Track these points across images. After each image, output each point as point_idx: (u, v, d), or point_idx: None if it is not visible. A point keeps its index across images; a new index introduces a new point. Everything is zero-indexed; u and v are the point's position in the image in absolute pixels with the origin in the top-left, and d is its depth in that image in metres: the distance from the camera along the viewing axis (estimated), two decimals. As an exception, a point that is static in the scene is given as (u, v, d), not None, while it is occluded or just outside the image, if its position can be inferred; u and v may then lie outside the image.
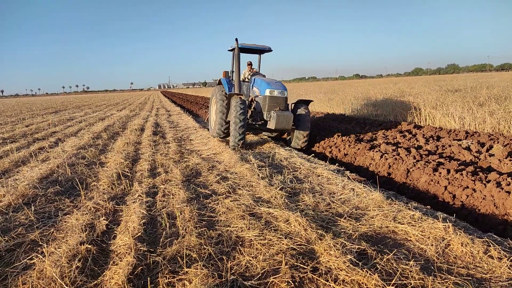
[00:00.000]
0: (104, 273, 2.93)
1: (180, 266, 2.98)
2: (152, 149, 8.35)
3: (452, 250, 3.18)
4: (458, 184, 4.92)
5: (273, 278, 2.75)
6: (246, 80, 9.86)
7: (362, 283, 2.64)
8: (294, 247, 3.25)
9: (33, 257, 3.15)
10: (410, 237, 3.47)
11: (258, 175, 5.62)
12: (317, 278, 2.75)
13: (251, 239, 3.44)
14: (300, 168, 6.26)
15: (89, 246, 3.28)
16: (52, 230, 3.79)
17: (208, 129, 11.18)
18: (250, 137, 10.14)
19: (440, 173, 5.35)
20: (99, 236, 3.64)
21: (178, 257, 3.12)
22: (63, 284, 2.69)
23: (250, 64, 9.94)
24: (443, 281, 2.68)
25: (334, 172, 5.84)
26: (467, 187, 4.78)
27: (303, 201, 4.56)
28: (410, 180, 5.64)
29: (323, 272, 2.84)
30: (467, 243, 3.18)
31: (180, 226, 3.79)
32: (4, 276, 2.92)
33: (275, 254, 3.14)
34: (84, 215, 4.12)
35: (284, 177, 5.61)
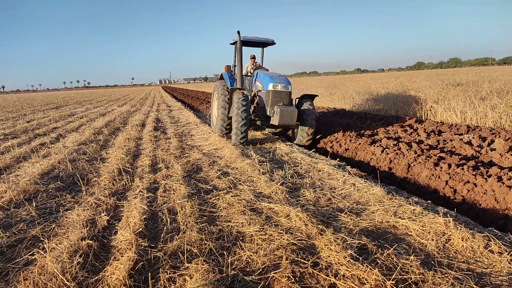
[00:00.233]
0: (105, 269, 2.94)
1: (181, 261, 2.99)
2: (153, 144, 8.35)
3: (452, 245, 3.18)
4: (459, 179, 4.91)
5: (274, 273, 2.76)
6: (249, 74, 9.60)
7: (363, 278, 2.65)
8: (295, 242, 3.25)
9: (35, 253, 3.16)
10: (411, 232, 3.47)
11: (259, 170, 5.62)
12: (318, 273, 2.76)
13: (251, 234, 3.45)
14: (301, 163, 6.25)
15: (90, 242, 3.29)
16: (53, 225, 3.81)
17: (210, 125, 11.11)
18: (251, 132, 10.12)
19: (441, 167, 5.34)
20: (100, 231, 3.65)
21: (179, 253, 3.13)
22: (64, 279, 2.70)
23: (253, 57, 9.65)
24: (443, 276, 2.68)
25: (335, 167, 5.83)
26: (468, 181, 4.77)
27: (304, 196, 4.56)
28: (411, 175, 5.63)
29: (324, 267, 2.85)
30: (468, 237, 3.17)
31: (181, 221, 3.80)
32: (6, 272, 2.94)
33: (275, 249, 3.14)
34: (85, 210, 4.14)
35: (285, 172, 5.60)
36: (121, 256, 3.08)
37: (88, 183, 5.40)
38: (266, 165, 5.95)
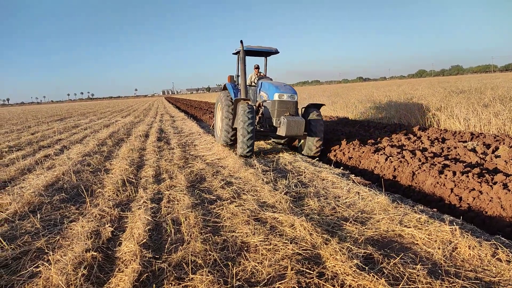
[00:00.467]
0: (110, 280, 2.93)
1: (185, 272, 2.97)
2: (157, 155, 8.38)
3: (459, 253, 3.15)
4: (464, 186, 4.88)
5: (279, 283, 2.74)
6: (253, 84, 9.43)
7: (369, 288, 2.62)
8: (300, 252, 3.23)
9: (39, 265, 3.16)
10: (417, 240, 3.44)
11: (263, 180, 5.62)
12: (324, 283, 2.73)
13: (256, 245, 3.43)
14: (304, 172, 6.24)
15: (95, 253, 3.28)
16: (58, 237, 3.81)
17: (213, 135, 11.08)
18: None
19: (446, 175, 5.31)
20: (104, 243, 3.64)
21: (184, 264, 3.12)
22: (69, 291, 2.70)
23: (257, 67, 9.46)
24: (451, 285, 2.65)
25: (339, 176, 5.82)
26: (474, 189, 4.74)
27: (308, 205, 4.55)
28: (416, 183, 5.60)
29: (330, 277, 2.82)
30: (475, 246, 3.14)
31: (185, 232, 3.79)
32: (11, 285, 2.93)
33: (280, 259, 3.12)
34: (89, 222, 4.14)
35: (288, 181, 5.59)
36: (126, 268, 3.07)
37: (92, 194, 5.42)
38: (270, 174, 5.95)
